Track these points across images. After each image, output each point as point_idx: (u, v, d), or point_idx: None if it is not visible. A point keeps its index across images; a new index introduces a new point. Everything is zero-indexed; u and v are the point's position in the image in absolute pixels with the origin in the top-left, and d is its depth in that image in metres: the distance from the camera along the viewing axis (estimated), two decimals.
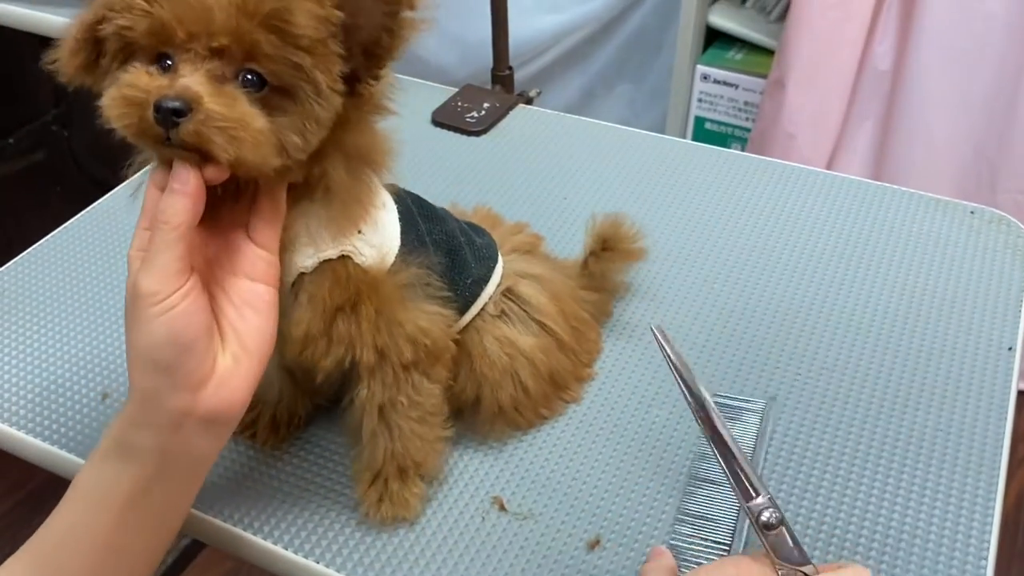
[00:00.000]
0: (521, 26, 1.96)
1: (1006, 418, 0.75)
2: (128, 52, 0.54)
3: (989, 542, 0.66)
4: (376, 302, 0.62)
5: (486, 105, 1.14)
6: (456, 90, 1.18)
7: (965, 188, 1.67)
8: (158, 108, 0.50)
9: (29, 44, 1.70)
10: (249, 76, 0.52)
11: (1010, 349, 0.81)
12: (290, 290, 0.62)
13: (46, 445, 0.75)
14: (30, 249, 0.95)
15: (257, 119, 0.52)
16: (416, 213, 0.68)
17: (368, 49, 0.54)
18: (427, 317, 0.64)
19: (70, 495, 0.58)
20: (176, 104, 0.50)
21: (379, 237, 0.62)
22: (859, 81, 1.71)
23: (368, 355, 0.62)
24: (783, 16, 1.76)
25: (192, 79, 0.51)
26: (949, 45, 1.58)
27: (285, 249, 0.60)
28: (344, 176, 0.59)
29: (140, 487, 0.57)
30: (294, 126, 0.53)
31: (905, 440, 0.74)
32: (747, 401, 0.77)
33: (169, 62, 0.53)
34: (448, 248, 0.69)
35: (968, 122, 1.62)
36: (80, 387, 0.80)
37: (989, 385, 0.78)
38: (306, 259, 0.60)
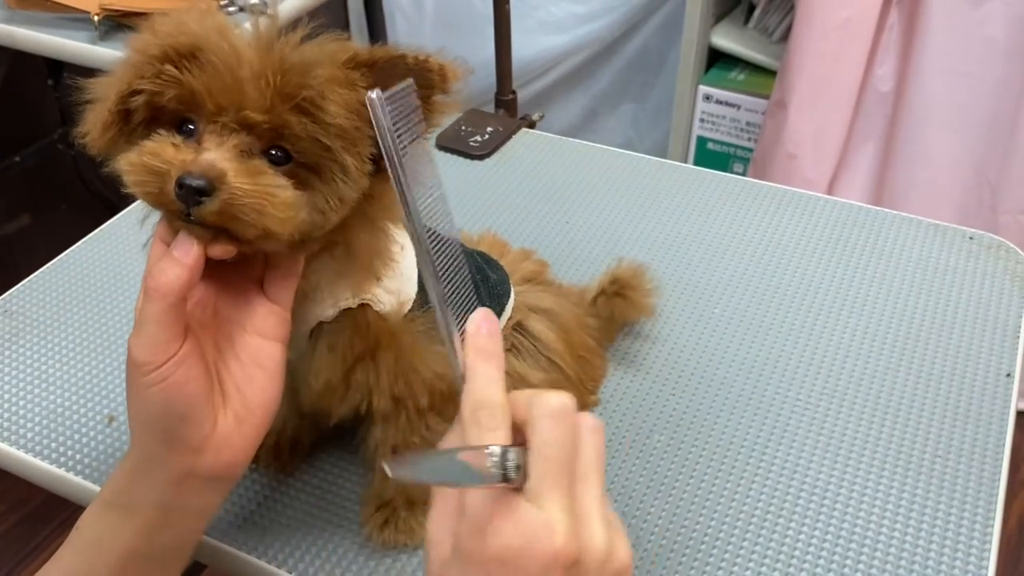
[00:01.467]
0: (525, 46, 1.98)
1: (1004, 443, 0.76)
2: (153, 118, 0.53)
3: (988, 566, 0.67)
4: (395, 350, 0.61)
5: (489, 129, 1.15)
6: (460, 114, 1.19)
7: (966, 209, 1.68)
8: (181, 184, 0.49)
9: (35, 64, 1.72)
10: (275, 152, 0.51)
11: (1008, 375, 0.81)
12: (308, 339, 0.62)
13: (51, 467, 0.76)
14: (38, 272, 0.96)
15: (284, 191, 0.51)
16: None
17: None
18: (443, 361, 0.64)
19: (73, 540, 0.58)
20: (200, 183, 0.49)
21: (397, 283, 0.62)
22: (861, 102, 1.72)
23: (385, 403, 0.62)
24: (785, 37, 1.78)
25: (218, 153, 0.50)
26: (950, 68, 1.59)
27: (305, 298, 0.59)
28: (364, 241, 0.58)
29: (141, 538, 0.56)
30: (316, 203, 0.52)
31: (904, 465, 0.74)
32: None
33: (192, 126, 0.51)
34: None
35: (969, 144, 1.63)
36: (86, 410, 0.81)
37: (988, 411, 0.78)
38: (326, 308, 0.60)
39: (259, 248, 0.53)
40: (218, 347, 0.57)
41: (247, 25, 0.52)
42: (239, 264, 0.55)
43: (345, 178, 0.52)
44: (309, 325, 0.61)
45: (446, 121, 1.17)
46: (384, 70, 0.51)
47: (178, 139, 0.51)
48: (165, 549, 0.59)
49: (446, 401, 0.65)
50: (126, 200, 1.03)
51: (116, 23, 1.24)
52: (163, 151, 0.50)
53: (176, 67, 0.50)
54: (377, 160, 0.53)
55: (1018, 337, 0.85)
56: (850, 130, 1.74)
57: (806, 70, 1.69)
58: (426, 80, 0.52)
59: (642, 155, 1.14)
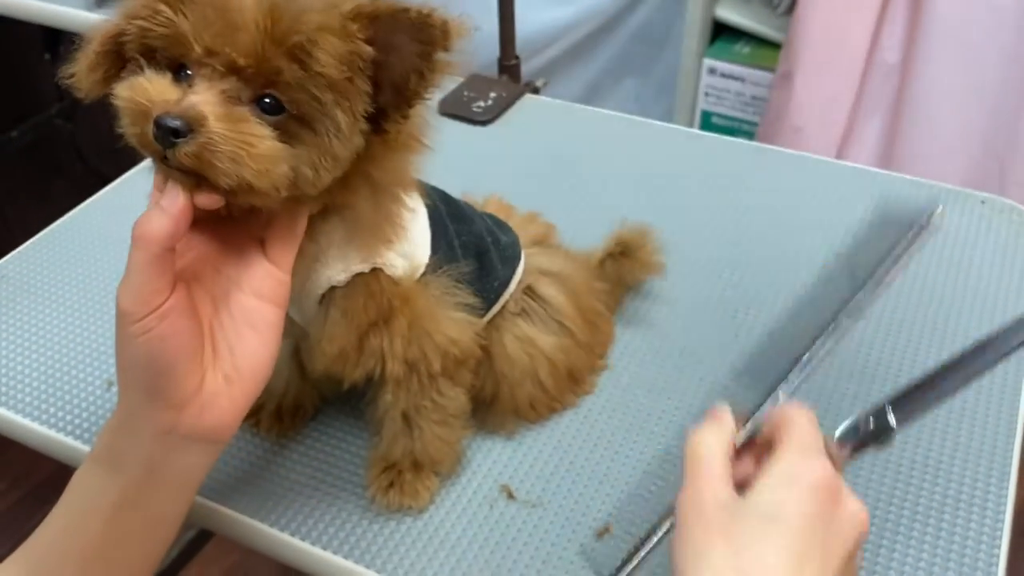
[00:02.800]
0: (528, 19, 1.95)
1: (1019, 409, 0.75)
2: (148, 58, 0.51)
3: (999, 554, 0.65)
4: (409, 315, 0.60)
5: (493, 95, 1.14)
6: (463, 79, 1.17)
7: (974, 180, 1.66)
8: (158, 124, 0.48)
9: (33, 38, 1.71)
10: (267, 100, 0.49)
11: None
12: (319, 304, 0.60)
13: (51, 432, 0.75)
14: (34, 238, 0.95)
15: (264, 141, 0.49)
16: (444, 213, 0.66)
17: (398, 88, 0.51)
18: (456, 326, 0.63)
19: (65, 497, 0.57)
20: (176, 124, 0.47)
21: (409, 246, 0.61)
22: (867, 74, 1.70)
23: (398, 368, 0.61)
24: (790, 9, 1.76)
25: (202, 97, 0.48)
26: (958, 37, 1.57)
27: (315, 261, 0.58)
28: (370, 206, 0.56)
29: (128, 496, 0.55)
30: (308, 158, 0.50)
31: (915, 437, 0.73)
32: None
33: (189, 72, 0.50)
34: (477, 251, 0.67)
35: (977, 115, 1.62)
36: (85, 375, 0.79)
37: (1001, 375, 0.77)
38: (338, 273, 0.58)
39: (245, 201, 0.51)
40: (215, 305, 0.56)
41: None
42: (241, 221, 0.54)
43: (337, 134, 0.50)
44: (320, 289, 0.60)
45: (449, 84, 1.16)
46: (385, 23, 0.49)
47: (167, 78, 0.50)
48: (152, 510, 0.57)
49: (458, 365, 0.64)
50: (124, 171, 1.02)
51: None
52: (147, 88, 0.49)
53: (171, 9, 0.49)
54: (375, 119, 0.51)
55: None
56: (856, 102, 1.72)
57: (812, 42, 1.67)
58: (428, 36, 0.50)
59: (648, 120, 1.12)
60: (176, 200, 0.50)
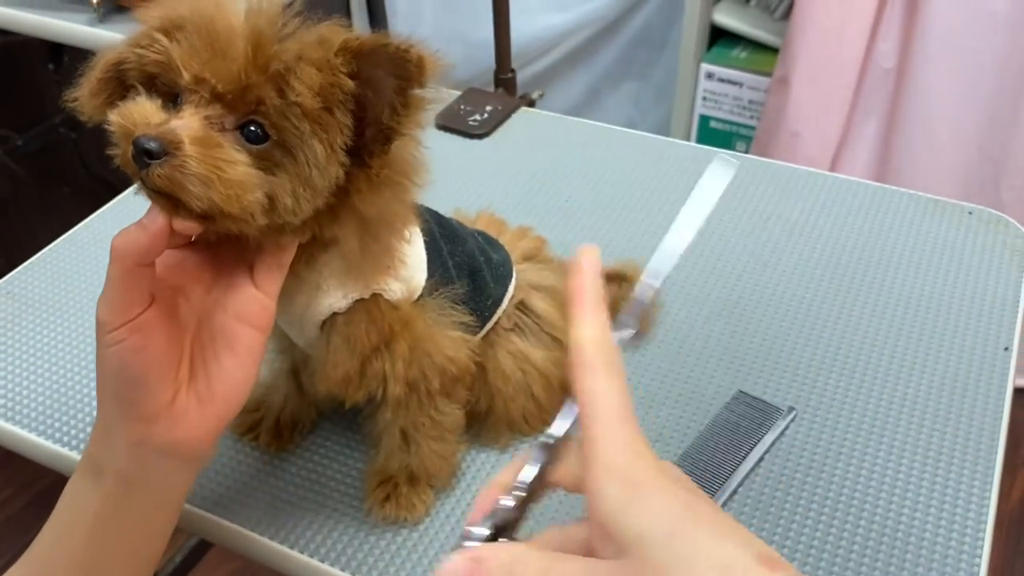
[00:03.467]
0: (526, 24, 1.97)
1: (1002, 417, 0.76)
2: (147, 86, 0.52)
3: (984, 540, 0.67)
4: (409, 338, 0.62)
5: (489, 108, 1.15)
6: (459, 93, 1.19)
7: (970, 185, 1.67)
8: (135, 145, 0.49)
9: (37, 48, 1.72)
10: (252, 128, 0.50)
11: (1006, 349, 0.82)
12: (321, 329, 0.62)
13: (57, 447, 0.77)
14: (39, 253, 0.97)
15: (236, 167, 0.50)
16: (439, 235, 0.67)
17: (376, 122, 0.51)
18: (453, 345, 0.64)
19: (56, 510, 0.58)
20: (151, 145, 0.48)
21: (407, 271, 0.62)
22: (863, 79, 1.71)
23: (400, 389, 0.63)
24: (787, 14, 1.77)
25: (185, 122, 0.50)
26: (953, 43, 1.59)
27: (316, 288, 0.59)
28: (360, 240, 0.57)
29: (108, 508, 0.56)
30: (288, 186, 0.51)
31: (902, 439, 0.75)
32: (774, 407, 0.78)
33: (182, 97, 0.51)
34: (470, 271, 0.69)
35: (971, 119, 1.63)
36: (89, 389, 0.81)
37: (985, 385, 0.79)
38: (339, 300, 0.60)
39: (223, 227, 0.52)
40: (200, 323, 0.57)
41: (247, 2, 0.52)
42: (232, 245, 0.55)
43: (315, 164, 0.50)
44: (321, 316, 0.61)
45: (445, 98, 1.17)
46: (367, 58, 0.50)
47: (157, 103, 0.51)
48: (132, 525, 0.58)
49: (454, 382, 0.66)
50: (128, 183, 1.04)
51: (115, 5, 1.24)
52: (133, 111, 0.50)
53: (167, 38, 0.50)
54: (358, 153, 0.52)
55: (1017, 311, 0.85)
56: (852, 107, 1.74)
57: (808, 47, 1.68)
58: (404, 71, 0.50)
59: (642, 133, 1.14)
60: (155, 220, 0.51)
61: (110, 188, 1.71)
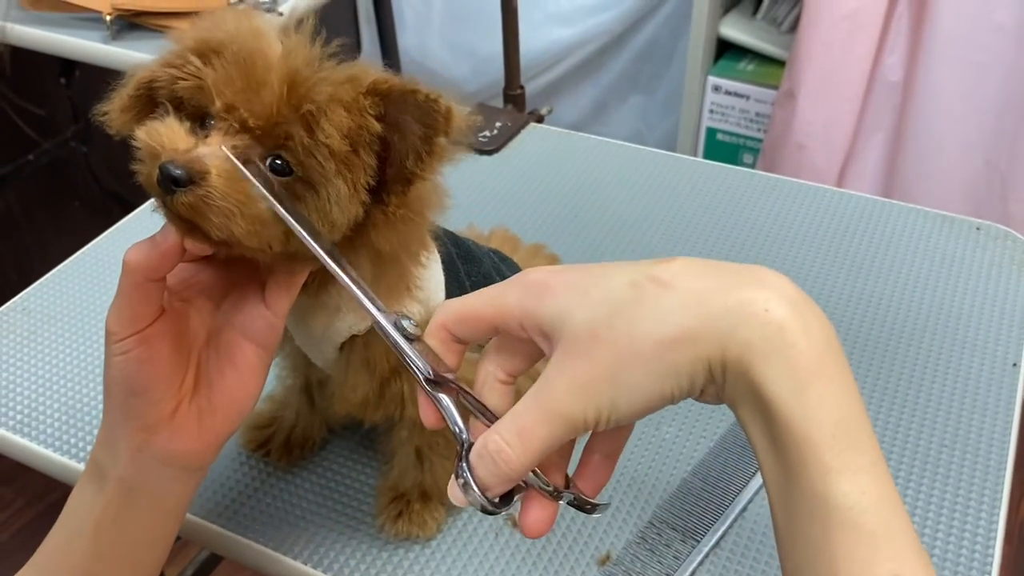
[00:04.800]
0: (533, 39, 1.98)
1: (1011, 432, 0.77)
2: (176, 106, 0.53)
3: (993, 556, 0.68)
4: None
5: (498, 124, 1.16)
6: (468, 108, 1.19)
7: (977, 198, 1.68)
8: (163, 171, 0.49)
9: (49, 63, 1.74)
10: (278, 161, 0.51)
11: (1015, 365, 0.82)
12: (339, 351, 0.62)
13: (69, 461, 0.77)
14: (55, 270, 0.97)
15: (260, 203, 0.50)
16: (455, 256, 0.67)
17: (398, 165, 0.52)
18: (469, 366, 0.65)
19: (62, 515, 0.59)
20: (178, 172, 0.48)
21: (424, 292, 0.62)
22: (870, 92, 1.72)
23: (416, 411, 0.63)
24: (794, 27, 1.78)
25: (212, 150, 0.50)
26: (959, 56, 1.59)
27: (336, 311, 0.60)
28: (370, 271, 0.57)
29: (109, 514, 0.57)
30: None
31: (911, 455, 0.75)
32: None
33: (211, 121, 0.52)
34: None
35: (978, 132, 1.63)
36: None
37: (994, 401, 0.79)
38: (358, 322, 0.60)
39: (237, 252, 0.52)
40: (208, 337, 0.58)
41: (280, 30, 0.52)
42: (247, 263, 0.56)
43: (337, 201, 0.51)
44: (340, 338, 0.62)
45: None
46: (396, 102, 0.51)
47: (186, 125, 0.51)
48: (133, 530, 0.59)
49: None
50: (140, 196, 1.05)
51: (128, 22, 1.25)
52: (162, 133, 0.50)
53: (202, 60, 0.51)
54: (379, 190, 0.53)
55: None
56: (859, 120, 1.74)
57: (815, 60, 1.69)
58: (431, 120, 0.50)
59: (651, 148, 1.15)
60: (168, 237, 0.52)
61: (121, 202, 1.72)
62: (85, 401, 0.82)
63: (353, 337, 0.61)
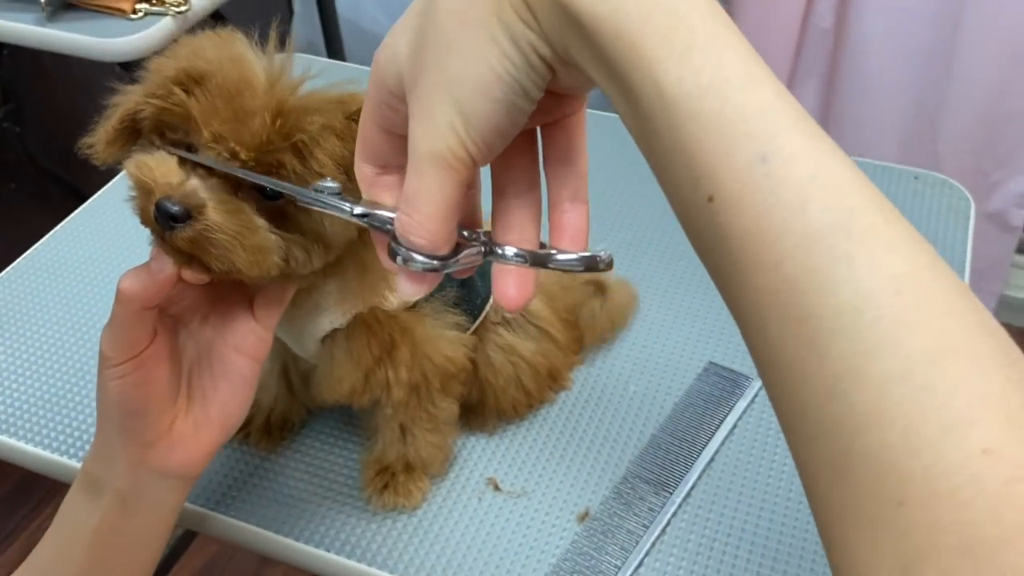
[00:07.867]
0: None
1: None
2: (161, 136, 0.53)
3: None
4: (410, 344, 0.64)
5: None
6: None
7: (909, 143, 1.72)
8: (159, 208, 0.49)
9: None
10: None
11: None
12: (321, 345, 0.64)
13: (48, 454, 0.78)
14: (11, 266, 0.96)
15: (258, 232, 0.51)
16: None
17: None
18: (451, 345, 0.67)
19: (55, 523, 0.60)
20: (175, 210, 0.49)
21: None
22: (802, 39, 1.74)
23: (402, 392, 0.65)
24: None
25: (205, 183, 0.51)
26: (887, 2, 1.63)
27: (316, 309, 0.61)
28: (355, 276, 0.58)
29: (107, 524, 0.59)
30: (302, 243, 0.53)
31: None
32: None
33: (197, 150, 0.52)
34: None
35: (909, 78, 1.67)
36: (81, 396, 0.82)
37: None
38: (338, 317, 0.62)
39: (234, 279, 0.53)
40: (198, 352, 0.60)
41: (260, 58, 0.52)
42: (236, 282, 0.56)
43: (332, 224, 0.52)
44: (321, 332, 0.63)
45: None
46: None
47: (174, 158, 0.51)
48: (131, 538, 0.61)
49: (451, 380, 0.69)
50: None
51: (63, 3, 1.23)
52: (153, 167, 0.51)
53: (185, 90, 0.51)
54: None
55: (964, 272, 0.90)
56: (793, 67, 1.77)
57: (747, 9, 1.71)
58: None
59: (604, 112, 1.16)
60: (165, 267, 0.53)
61: (58, 181, 1.68)
62: (60, 394, 0.82)
63: (335, 330, 0.63)
